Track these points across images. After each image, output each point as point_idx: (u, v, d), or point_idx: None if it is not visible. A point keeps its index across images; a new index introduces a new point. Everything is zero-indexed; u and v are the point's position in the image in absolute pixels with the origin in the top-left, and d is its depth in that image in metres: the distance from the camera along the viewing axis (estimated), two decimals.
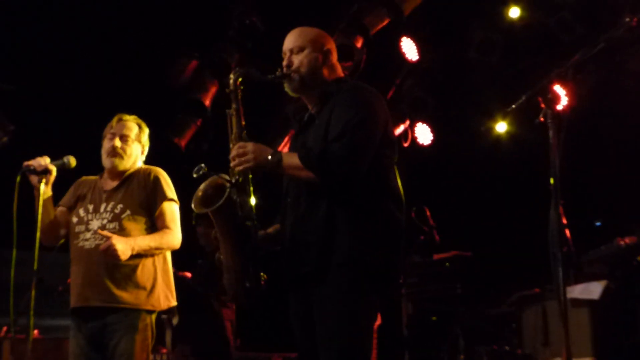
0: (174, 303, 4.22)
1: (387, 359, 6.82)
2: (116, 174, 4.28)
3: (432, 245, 6.81)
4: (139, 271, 4.05)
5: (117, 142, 4.25)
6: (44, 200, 4.08)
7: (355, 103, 3.22)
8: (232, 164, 3.23)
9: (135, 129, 4.35)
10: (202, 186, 3.32)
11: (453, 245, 7.17)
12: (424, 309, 7.12)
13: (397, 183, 3.31)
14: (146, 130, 4.44)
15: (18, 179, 3.99)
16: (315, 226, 3.16)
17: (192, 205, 3.28)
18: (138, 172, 4.30)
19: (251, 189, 3.26)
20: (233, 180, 3.21)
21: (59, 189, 4.29)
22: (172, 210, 4.22)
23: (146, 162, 4.42)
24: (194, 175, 3.25)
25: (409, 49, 8.14)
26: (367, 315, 3.18)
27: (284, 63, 3.40)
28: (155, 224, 4.19)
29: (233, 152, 3.23)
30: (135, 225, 4.13)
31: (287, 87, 3.41)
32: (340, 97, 3.26)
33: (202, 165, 3.25)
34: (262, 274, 3.26)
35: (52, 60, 7.24)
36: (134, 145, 4.31)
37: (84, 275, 4.08)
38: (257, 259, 3.27)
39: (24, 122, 7.38)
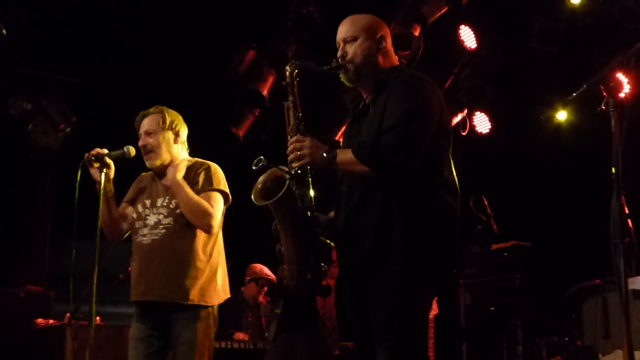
0: (228, 295, 4.22)
1: (444, 349, 6.79)
2: (162, 170, 4.26)
3: (491, 235, 6.75)
4: (194, 266, 4.05)
5: (143, 141, 4.23)
6: (106, 197, 4.12)
7: (409, 93, 3.20)
8: (289, 158, 3.24)
9: (156, 119, 4.25)
10: (261, 178, 3.33)
11: (512, 235, 7.11)
12: (482, 300, 7.07)
13: (452, 173, 3.28)
14: (173, 114, 4.31)
15: (79, 170, 4.05)
16: (370, 216, 3.16)
17: (252, 198, 3.29)
18: (193, 166, 4.24)
19: (310, 180, 3.26)
20: (292, 172, 3.22)
21: (121, 182, 4.34)
22: (215, 196, 4.14)
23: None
24: (254, 168, 3.26)
25: (468, 37, 8.06)
26: (422, 305, 3.16)
27: (338, 54, 3.38)
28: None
29: (290, 146, 3.24)
30: (184, 221, 4.11)
31: (342, 78, 3.41)
32: (395, 88, 3.24)
33: (261, 157, 3.26)
34: (323, 264, 3.27)
35: (113, 53, 7.37)
36: (160, 137, 4.22)
37: (141, 270, 4.12)
38: (317, 250, 3.28)
39: (87, 114, 7.54)
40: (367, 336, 3.21)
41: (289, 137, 3.29)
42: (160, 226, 4.13)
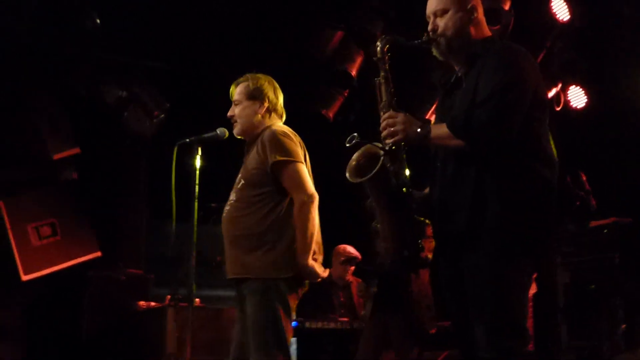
0: (293, 272, 3.94)
1: (543, 328, 6.67)
2: (246, 142, 4.18)
3: (589, 211, 6.60)
4: (252, 240, 3.93)
5: (230, 111, 4.16)
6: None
7: (503, 65, 3.13)
8: (382, 134, 3.21)
9: (242, 87, 4.15)
10: (355, 155, 3.31)
11: (611, 212, 6.91)
12: (580, 279, 6.91)
13: (549, 145, 3.20)
14: (260, 81, 4.16)
15: (174, 153, 4.11)
16: (465, 190, 3.11)
17: (347, 175, 3.28)
18: (260, 135, 4.08)
19: (404, 156, 3.23)
20: (386, 148, 3.19)
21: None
22: (281, 172, 3.96)
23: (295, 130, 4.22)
24: (347, 145, 3.25)
25: (560, 8, 7.82)
26: (520, 280, 3.10)
27: (429, 27, 3.32)
28: (270, 196, 3.98)
29: (383, 122, 3.20)
30: (244, 197, 4.02)
31: (434, 52, 3.35)
32: (488, 59, 3.17)
33: (355, 134, 3.24)
34: (420, 241, 3.24)
35: (202, 37, 7.45)
36: (244, 105, 4.12)
37: (224, 248, 4.12)
38: (413, 227, 3.25)
39: (179, 99, 7.67)
40: (464, 313, 3.17)
41: (381, 113, 3.25)
42: (228, 203, 4.09)
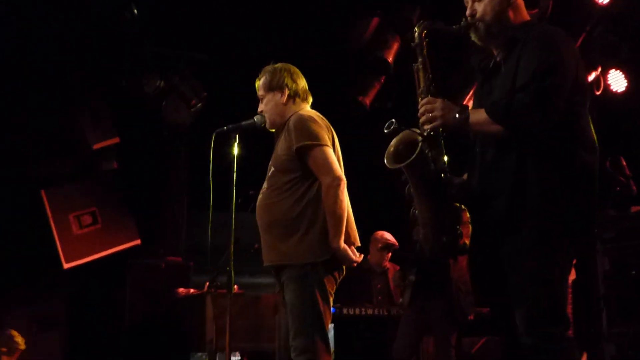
0: (327, 255, 3.91)
1: (583, 315, 6.62)
2: (277, 132, 4.21)
3: (630, 196, 6.52)
4: (284, 227, 3.93)
5: (260, 107, 4.19)
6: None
7: (543, 49, 3.08)
8: (420, 120, 3.20)
9: (262, 82, 4.18)
10: (393, 142, 3.29)
11: None
12: (621, 265, 6.83)
13: (590, 130, 3.16)
14: (278, 72, 4.16)
15: (212, 142, 4.13)
16: (505, 176, 3.09)
17: (385, 161, 3.27)
18: (287, 122, 4.09)
19: (442, 142, 3.21)
20: (425, 134, 3.19)
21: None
22: (307, 156, 3.95)
23: (332, 121, 4.18)
24: (385, 131, 3.24)
25: None
26: (561, 266, 3.07)
27: (467, 12, 3.29)
28: (300, 181, 3.98)
29: (421, 108, 3.19)
30: (275, 184, 4.03)
31: (473, 37, 3.32)
32: (528, 44, 3.13)
33: (393, 120, 3.23)
34: (458, 227, 3.23)
35: (240, 27, 7.49)
36: (267, 99, 4.15)
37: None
38: (452, 213, 3.24)
39: (217, 89, 7.71)
40: (503, 299, 3.16)
41: (419, 99, 3.24)
42: (261, 191, 4.11)
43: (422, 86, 3.27)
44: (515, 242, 3.07)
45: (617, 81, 8.35)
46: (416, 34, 3.29)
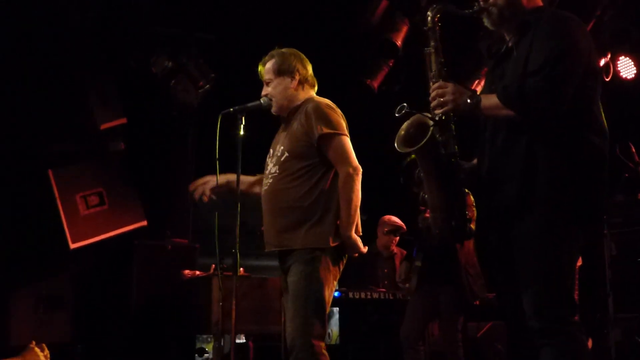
0: (337, 242, 3.93)
1: (590, 301, 6.61)
2: (282, 117, 4.20)
3: (638, 183, 6.50)
4: (304, 212, 3.94)
5: (264, 90, 4.18)
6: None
7: (556, 33, 3.07)
8: (431, 104, 3.18)
9: (270, 64, 4.16)
10: (404, 125, 3.29)
11: None
12: (628, 250, 6.82)
13: (601, 115, 3.15)
14: (287, 57, 4.16)
15: (219, 121, 4.11)
16: (515, 161, 3.09)
17: (395, 145, 3.27)
18: (300, 107, 4.11)
19: (453, 127, 3.20)
20: (437, 119, 3.17)
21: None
22: (327, 145, 3.97)
23: (339, 103, 4.18)
24: (396, 115, 3.23)
25: None
26: (569, 250, 3.07)
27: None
28: (316, 168, 4.00)
29: (433, 92, 3.17)
30: (289, 169, 4.02)
31: (485, 21, 3.30)
32: (540, 28, 3.11)
33: (404, 104, 3.22)
34: (467, 212, 3.23)
35: (249, 8, 7.44)
36: (275, 82, 4.13)
37: (264, 221, 4.12)
38: (461, 197, 3.24)
39: (225, 70, 7.68)
40: (511, 284, 3.16)
41: (430, 83, 3.22)
42: (270, 176, 4.10)
43: (433, 70, 3.26)
44: (525, 227, 3.07)
45: (627, 68, 8.29)
46: (429, 17, 3.27)
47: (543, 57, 3.01)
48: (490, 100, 3.09)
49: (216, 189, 4.28)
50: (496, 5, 3.24)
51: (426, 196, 3.30)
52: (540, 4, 3.32)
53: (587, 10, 7.93)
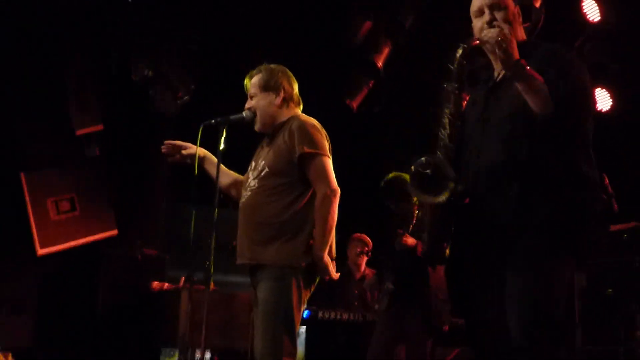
0: (309, 259, 3.91)
1: None
2: (265, 132, 4.18)
3: (610, 214, 6.53)
4: (279, 229, 3.91)
5: (248, 104, 4.15)
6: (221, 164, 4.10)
7: (570, 66, 3.08)
8: (483, 34, 3.04)
9: (256, 79, 4.14)
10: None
11: (632, 216, 6.85)
12: (598, 282, 6.85)
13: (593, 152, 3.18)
14: (274, 73, 4.13)
15: (199, 134, 4.09)
16: (512, 184, 3.05)
17: (409, 186, 3.20)
18: (285, 124, 4.08)
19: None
20: (483, 39, 3.02)
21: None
22: (308, 164, 3.96)
23: (319, 121, 4.14)
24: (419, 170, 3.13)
25: (591, 9, 7.74)
26: (563, 281, 3.06)
27: (486, 19, 3.20)
28: (294, 186, 3.97)
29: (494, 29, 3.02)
30: (268, 185, 4.00)
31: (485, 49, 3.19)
32: (541, 64, 3.04)
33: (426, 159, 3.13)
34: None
35: (232, 21, 7.45)
36: (259, 97, 4.11)
37: (238, 233, 4.10)
38: (452, 219, 3.23)
39: (206, 80, 7.65)
40: (486, 309, 3.15)
41: (448, 119, 3.21)
42: (248, 189, 4.08)
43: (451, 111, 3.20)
44: (519, 248, 3.04)
45: (603, 100, 8.37)
46: (458, 55, 3.15)
47: (570, 87, 2.98)
48: (536, 79, 2.95)
49: (190, 159, 4.23)
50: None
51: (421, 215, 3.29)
52: (525, 38, 3.32)
53: (567, 41, 8.01)
